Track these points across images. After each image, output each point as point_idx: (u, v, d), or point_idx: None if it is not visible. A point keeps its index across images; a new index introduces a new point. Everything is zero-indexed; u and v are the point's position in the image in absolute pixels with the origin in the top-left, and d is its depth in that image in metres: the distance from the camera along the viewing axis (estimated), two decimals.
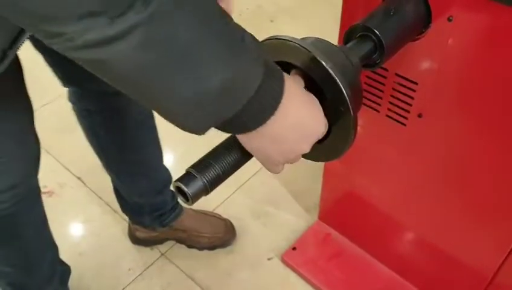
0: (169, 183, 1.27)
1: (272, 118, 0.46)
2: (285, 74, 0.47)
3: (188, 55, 0.38)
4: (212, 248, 1.37)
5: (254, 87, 0.43)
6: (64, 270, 1.14)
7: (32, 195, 0.93)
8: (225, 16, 0.41)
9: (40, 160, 0.88)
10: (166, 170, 1.26)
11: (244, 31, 0.43)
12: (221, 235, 1.36)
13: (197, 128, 0.45)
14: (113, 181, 1.25)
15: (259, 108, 0.45)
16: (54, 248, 1.08)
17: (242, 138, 0.49)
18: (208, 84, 0.40)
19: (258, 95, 0.43)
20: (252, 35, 0.44)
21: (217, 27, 0.40)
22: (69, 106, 1.09)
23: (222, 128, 0.46)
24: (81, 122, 1.11)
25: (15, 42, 0.57)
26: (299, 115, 0.48)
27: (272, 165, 0.52)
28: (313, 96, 0.51)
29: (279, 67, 0.47)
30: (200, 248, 1.37)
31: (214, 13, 0.40)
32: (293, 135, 0.49)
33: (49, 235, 1.05)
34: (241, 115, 0.44)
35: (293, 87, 0.48)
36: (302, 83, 0.52)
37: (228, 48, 0.41)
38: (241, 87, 0.42)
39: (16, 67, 0.78)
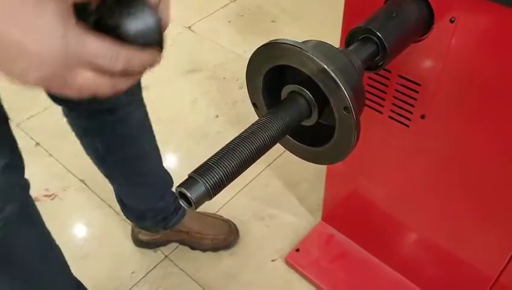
0: (171, 186, 1.26)
1: None
2: None
3: None
4: (215, 249, 1.37)
5: None
6: None
7: (20, 219, 0.81)
8: None
9: (20, 184, 0.79)
10: (166, 173, 1.25)
11: None
12: (225, 236, 1.36)
13: None
14: (115, 190, 1.25)
15: None
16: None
17: None
18: None
19: None
20: None
21: None
22: None
23: None
24: (79, 139, 1.08)
25: None
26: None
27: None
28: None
29: None
30: (204, 250, 1.37)
31: None
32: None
33: (58, 262, 0.95)
34: None
35: None
36: None
37: None
38: None
39: None
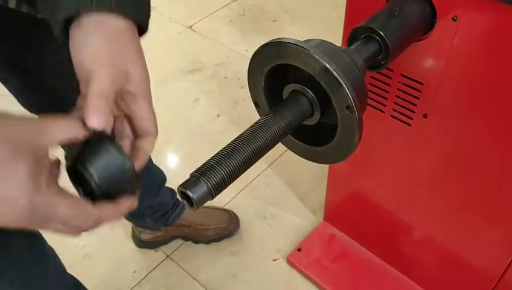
0: (164, 183, 1.26)
1: None
2: None
3: None
4: (218, 239, 1.37)
5: None
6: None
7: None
8: None
9: None
10: (159, 170, 1.25)
11: None
12: (226, 224, 1.37)
13: None
14: None
15: None
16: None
17: None
18: None
19: None
20: None
21: None
22: None
23: None
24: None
25: None
26: None
27: None
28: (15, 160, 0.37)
29: None
30: (207, 242, 1.37)
31: None
32: None
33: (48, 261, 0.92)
34: None
35: None
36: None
37: None
38: None
39: None
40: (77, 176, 0.43)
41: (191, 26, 2.21)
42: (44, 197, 0.38)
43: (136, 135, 0.48)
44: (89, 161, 0.41)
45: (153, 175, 1.23)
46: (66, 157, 0.43)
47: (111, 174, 0.42)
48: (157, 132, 0.48)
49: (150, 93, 0.46)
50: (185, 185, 0.46)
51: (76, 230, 0.42)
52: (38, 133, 0.39)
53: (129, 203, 0.45)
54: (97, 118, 0.40)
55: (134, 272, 1.35)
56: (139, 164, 0.48)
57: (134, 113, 0.47)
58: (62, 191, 0.40)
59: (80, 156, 0.42)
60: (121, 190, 0.44)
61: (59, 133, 0.40)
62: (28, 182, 0.37)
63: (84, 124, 0.41)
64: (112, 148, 0.41)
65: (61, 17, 0.43)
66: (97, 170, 0.41)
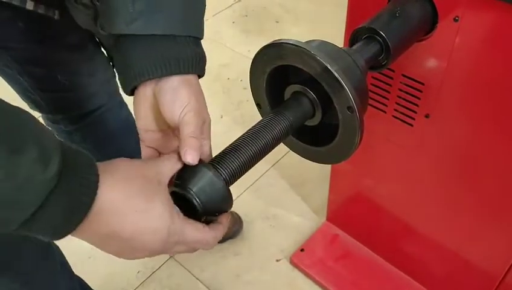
0: None
1: (81, 227, 0.41)
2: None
3: None
4: (222, 240, 1.37)
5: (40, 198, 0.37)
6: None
7: None
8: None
9: None
10: None
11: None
12: (230, 226, 1.37)
13: None
14: None
15: (51, 219, 0.38)
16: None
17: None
18: None
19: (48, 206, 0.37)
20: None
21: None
22: None
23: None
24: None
25: None
26: (115, 229, 0.42)
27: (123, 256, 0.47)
28: (158, 202, 0.44)
29: (94, 181, 0.41)
30: None
31: None
32: (117, 245, 0.44)
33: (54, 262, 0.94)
34: (31, 226, 0.38)
35: (117, 199, 0.42)
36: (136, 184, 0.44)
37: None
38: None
39: None
40: (177, 200, 0.47)
41: None
42: (177, 225, 0.45)
43: None
44: (190, 183, 0.46)
45: None
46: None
47: (210, 194, 0.47)
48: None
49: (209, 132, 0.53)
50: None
51: (193, 250, 0.50)
52: (159, 172, 0.47)
53: (227, 220, 0.51)
54: (191, 155, 0.47)
55: (138, 272, 1.35)
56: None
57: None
58: (187, 219, 0.47)
59: (179, 180, 0.47)
60: (219, 208, 0.49)
61: (169, 170, 0.48)
62: (166, 213, 0.44)
63: (179, 158, 0.48)
64: (206, 170, 0.47)
65: (143, 79, 0.50)
66: (198, 190, 0.46)
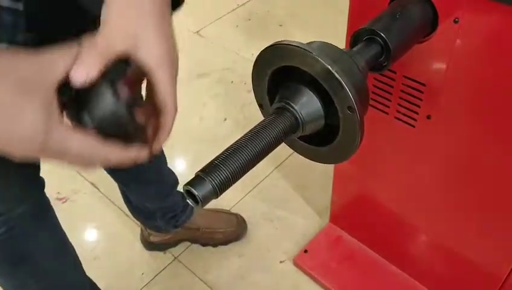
0: (177, 184, 1.28)
1: None
2: None
3: None
4: (226, 242, 1.39)
5: None
6: None
7: (34, 217, 0.83)
8: None
9: (38, 181, 0.81)
10: (171, 172, 1.27)
11: None
12: (234, 228, 1.38)
13: None
14: (120, 189, 1.26)
15: None
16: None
17: None
18: None
19: None
20: None
21: None
22: None
23: None
24: None
25: None
26: None
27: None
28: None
29: None
30: (215, 245, 1.38)
31: None
32: None
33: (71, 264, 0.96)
34: None
35: None
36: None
37: None
38: None
39: None
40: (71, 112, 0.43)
41: (198, 32, 2.23)
42: (59, 134, 0.40)
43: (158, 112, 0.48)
44: (86, 105, 0.42)
45: (165, 176, 1.26)
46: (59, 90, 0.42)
47: (105, 117, 0.43)
48: (175, 108, 0.47)
49: (170, 66, 0.46)
50: (190, 183, 0.48)
51: (87, 164, 0.44)
52: (48, 70, 0.39)
53: (138, 150, 0.46)
54: (81, 74, 0.40)
55: (143, 274, 1.36)
56: (157, 143, 0.49)
57: (152, 87, 0.46)
58: (71, 127, 0.41)
59: (77, 96, 0.42)
60: (118, 132, 0.44)
61: (63, 67, 0.40)
62: (39, 121, 0.38)
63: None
64: (106, 91, 0.42)
65: None
66: (93, 112, 0.42)
